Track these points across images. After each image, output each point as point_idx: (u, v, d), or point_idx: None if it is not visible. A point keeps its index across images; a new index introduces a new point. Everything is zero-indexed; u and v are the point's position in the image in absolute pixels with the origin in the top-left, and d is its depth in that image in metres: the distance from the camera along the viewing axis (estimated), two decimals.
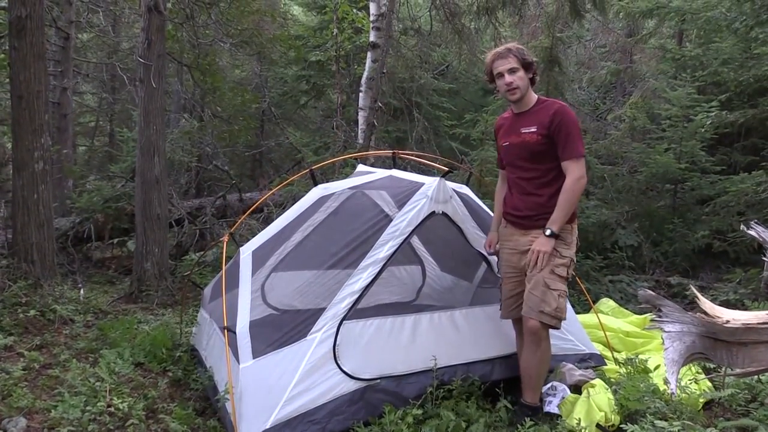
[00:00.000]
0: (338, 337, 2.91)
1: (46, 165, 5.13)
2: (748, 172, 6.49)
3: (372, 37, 8.85)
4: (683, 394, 3.18)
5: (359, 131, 8.70)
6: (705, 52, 8.03)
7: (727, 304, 4.82)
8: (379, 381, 2.96)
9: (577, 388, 3.19)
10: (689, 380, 3.38)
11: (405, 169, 4.13)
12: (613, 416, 2.95)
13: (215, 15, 8.68)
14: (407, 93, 10.28)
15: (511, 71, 2.97)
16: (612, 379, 3.46)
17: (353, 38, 10.12)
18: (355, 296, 2.98)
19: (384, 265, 3.08)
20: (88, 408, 3.10)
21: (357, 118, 9.07)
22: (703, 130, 6.88)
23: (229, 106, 10.62)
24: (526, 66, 3.00)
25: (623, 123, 8.11)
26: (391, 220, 3.20)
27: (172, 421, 3.08)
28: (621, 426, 2.85)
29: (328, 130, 10.94)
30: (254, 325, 3.11)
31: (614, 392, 3.13)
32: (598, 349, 3.86)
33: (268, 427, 2.68)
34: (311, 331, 2.91)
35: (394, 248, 3.10)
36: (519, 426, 2.83)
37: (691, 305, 4.79)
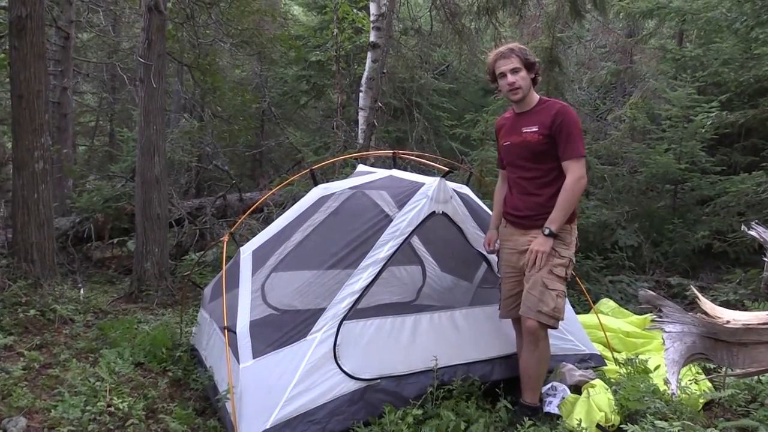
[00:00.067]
0: (338, 337, 2.90)
1: (46, 165, 5.13)
2: (749, 172, 6.50)
3: (372, 37, 8.85)
4: (683, 395, 3.17)
5: (359, 131, 8.70)
6: (705, 53, 8.03)
7: (727, 305, 4.82)
8: (379, 381, 2.96)
9: (577, 389, 3.19)
10: (689, 380, 3.38)
11: (405, 169, 4.12)
12: (613, 416, 2.95)
13: (215, 15, 8.68)
14: (407, 93, 10.28)
15: (514, 71, 2.98)
16: (612, 380, 3.46)
17: (353, 38, 10.13)
18: (356, 296, 2.98)
19: (384, 265, 3.08)
20: (88, 408, 3.10)
21: (357, 118, 9.07)
22: (703, 130, 6.89)
23: (230, 106, 10.63)
24: (529, 66, 3.00)
25: (623, 123, 8.12)
26: (391, 220, 3.20)
27: (172, 420, 3.08)
28: (621, 426, 2.85)
29: (328, 130, 10.95)
30: (254, 325, 3.10)
31: (614, 392, 3.13)
32: (598, 349, 3.86)
33: (268, 427, 2.68)
34: (311, 331, 2.91)
35: (395, 248, 3.10)
36: (519, 426, 2.82)
37: (691, 306, 4.80)
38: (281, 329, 3.02)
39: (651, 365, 3.64)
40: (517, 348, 3.24)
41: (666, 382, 3.10)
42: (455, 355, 3.20)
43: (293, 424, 2.72)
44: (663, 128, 7.30)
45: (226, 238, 3.94)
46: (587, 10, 8.54)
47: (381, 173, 3.77)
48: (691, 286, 3.29)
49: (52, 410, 3.07)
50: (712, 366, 3.61)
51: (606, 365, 3.75)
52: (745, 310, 4.44)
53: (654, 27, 9.86)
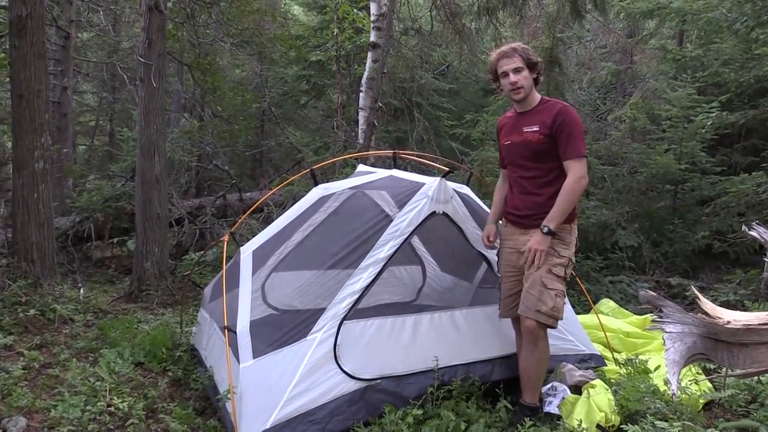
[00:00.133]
0: (339, 337, 2.90)
1: (46, 164, 5.12)
2: (749, 173, 6.49)
3: (372, 37, 8.84)
4: (683, 395, 3.17)
5: (359, 131, 8.70)
6: (705, 53, 8.03)
7: (727, 305, 4.82)
8: (379, 381, 2.96)
9: (577, 389, 3.19)
10: (689, 381, 3.38)
11: (405, 169, 4.12)
12: (613, 417, 2.95)
13: (216, 14, 8.68)
14: (408, 93, 10.29)
15: (516, 71, 2.98)
16: (612, 380, 3.46)
17: (354, 38, 10.13)
18: (356, 296, 2.98)
19: (384, 265, 3.08)
20: (88, 407, 3.10)
21: (357, 118, 9.07)
22: (703, 130, 6.88)
23: (230, 105, 10.62)
24: (531, 66, 3.01)
25: (623, 123, 8.11)
26: (391, 220, 3.20)
27: (172, 420, 3.08)
28: (621, 426, 2.85)
29: (329, 130, 10.95)
30: (254, 325, 3.10)
31: (614, 393, 3.13)
32: (599, 349, 3.86)
33: (268, 426, 2.68)
34: (311, 331, 2.91)
35: (395, 248, 3.10)
36: (519, 426, 2.82)
37: (692, 306, 4.80)
38: (281, 329, 3.02)
39: (651, 365, 3.63)
40: (517, 348, 3.24)
41: (666, 382, 3.10)
42: (455, 355, 3.20)
43: (293, 424, 2.72)
44: (663, 128, 7.30)
45: (226, 237, 3.94)
46: (587, 10, 8.53)
47: (381, 173, 3.77)
48: (692, 287, 3.29)
49: (52, 410, 3.07)
50: (712, 366, 3.61)
51: (606, 365, 3.74)
52: (746, 310, 4.44)
53: (654, 27, 9.86)
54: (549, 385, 3.18)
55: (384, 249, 3.08)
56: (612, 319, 4.69)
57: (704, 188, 6.90)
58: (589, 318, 4.45)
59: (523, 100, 3.04)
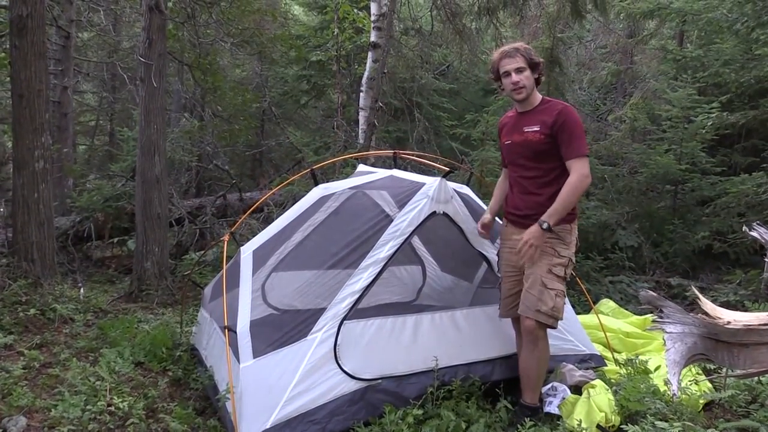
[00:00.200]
0: (339, 337, 2.90)
1: (47, 164, 5.13)
2: (749, 173, 6.49)
3: (373, 37, 8.85)
4: (684, 395, 3.17)
5: (360, 131, 8.71)
6: (706, 53, 8.02)
7: (728, 306, 4.82)
8: (379, 381, 2.96)
9: (577, 389, 3.19)
10: (690, 381, 3.37)
11: (405, 169, 4.12)
12: (613, 417, 2.95)
13: (216, 14, 8.69)
14: (408, 93, 10.29)
15: (518, 70, 2.98)
16: (612, 380, 3.46)
17: (354, 38, 10.13)
18: (356, 296, 2.98)
19: (385, 265, 3.07)
20: (88, 407, 3.10)
21: (357, 118, 9.07)
22: (703, 131, 6.88)
23: (230, 105, 10.63)
24: (533, 66, 3.01)
25: (624, 124, 8.12)
26: (391, 220, 3.20)
27: (172, 420, 3.08)
28: (621, 427, 2.85)
29: (329, 130, 10.95)
30: (255, 325, 3.10)
31: (615, 393, 3.13)
32: (599, 349, 3.86)
33: (268, 426, 2.68)
34: (312, 330, 2.91)
35: (395, 248, 3.10)
36: (519, 426, 2.82)
37: (692, 306, 4.80)
38: (281, 329, 3.02)
39: (651, 366, 3.63)
40: (517, 348, 3.24)
41: (666, 382, 3.10)
42: (456, 356, 3.20)
43: (293, 424, 2.72)
44: (663, 129, 7.30)
45: (226, 237, 3.94)
46: (588, 10, 8.54)
47: (381, 173, 3.77)
48: (692, 287, 3.29)
49: (52, 409, 3.07)
50: (712, 367, 3.61)
51: (606, 366, 3.74)
52: (746, 310, 4.44)
53: (654, 27, 9.86)
54: (549, 385, 3.18)
55: (384, 249, 3.08)
56: (612, 319, 4.69)
57: (704, 188, 6.90)
58: (589, 318, 4.45)
59: (525, 99, 3.04)
